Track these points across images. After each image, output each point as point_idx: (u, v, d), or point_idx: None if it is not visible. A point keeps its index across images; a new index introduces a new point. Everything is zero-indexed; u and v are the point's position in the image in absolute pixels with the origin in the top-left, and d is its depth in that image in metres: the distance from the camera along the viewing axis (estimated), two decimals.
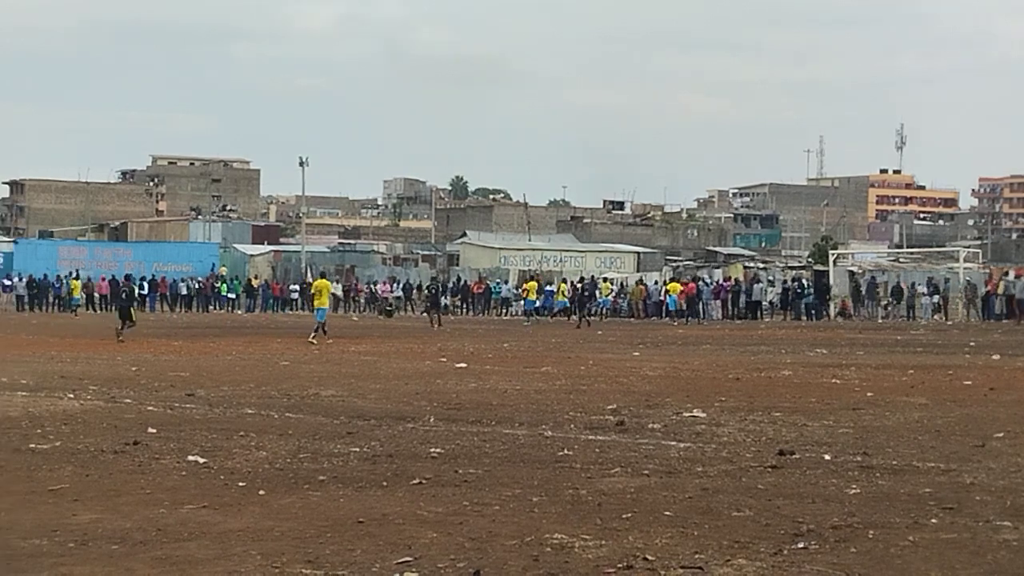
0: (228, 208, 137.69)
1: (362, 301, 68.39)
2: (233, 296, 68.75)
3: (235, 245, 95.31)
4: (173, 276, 69.82)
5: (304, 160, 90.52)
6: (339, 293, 70.98)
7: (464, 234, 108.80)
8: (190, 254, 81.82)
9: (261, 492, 10.09)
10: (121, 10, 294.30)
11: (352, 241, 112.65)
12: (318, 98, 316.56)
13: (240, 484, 10.48)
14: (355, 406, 16.80)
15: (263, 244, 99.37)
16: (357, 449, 12.53)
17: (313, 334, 33.60)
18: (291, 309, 68.88)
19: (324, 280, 38.84)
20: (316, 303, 36.73)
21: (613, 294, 61.11)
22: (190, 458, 11.88)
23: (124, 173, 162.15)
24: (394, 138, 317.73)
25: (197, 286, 68.31)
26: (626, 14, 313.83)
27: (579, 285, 56.50)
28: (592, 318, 51.16)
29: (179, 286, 67.62)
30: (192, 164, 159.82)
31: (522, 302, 57.35)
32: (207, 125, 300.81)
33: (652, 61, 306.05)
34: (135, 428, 14.04)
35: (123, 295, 37.42)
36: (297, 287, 71.69)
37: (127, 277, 43.82)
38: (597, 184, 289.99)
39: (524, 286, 58.45)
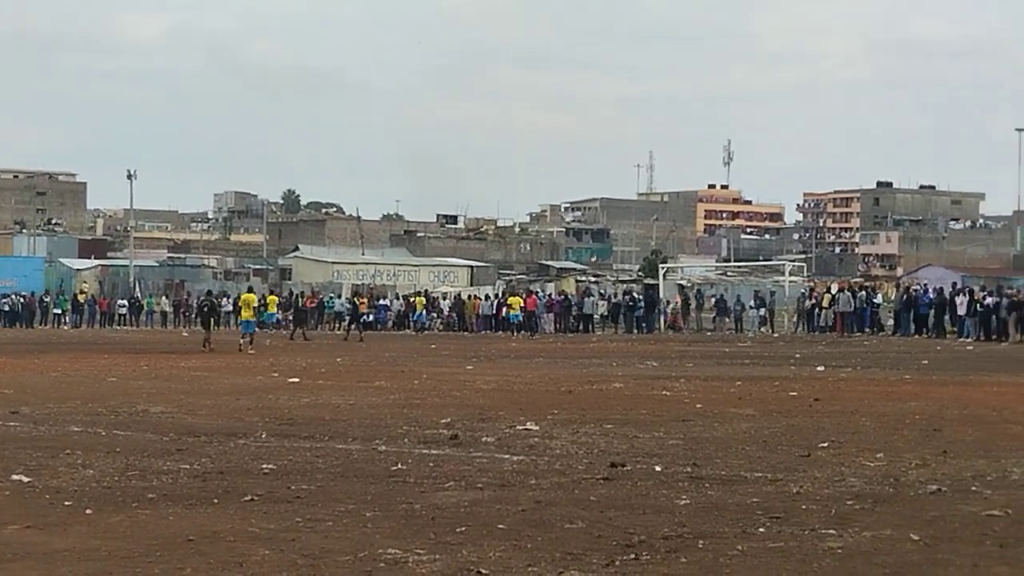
0: (54, 222, 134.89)
1: (193, 316, 67.41)
2: (59, 311, 67.37)
3: (61, 259, 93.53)
4: None
5: (132, 173, 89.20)
6: (167, 309, 70.10)
7: (296, 248, 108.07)
8: (14, 269, 79.96)
9: (88, 511, 9.88)
10: None
11: (182, 255, 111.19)
12: (147, 110, 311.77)
13: (66, 503, 10.25)
14: (185, 422, 16.55)
15: (90, 258, 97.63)
16: (187, 466, 12.35)
17: (245, 344, 37.50)
18: (119, 324, 67.67)
19: (249, 294, 42.01)
20: (243, 316, 39.91)
21: (425, 308, 61.46)
22: (14, 477, 11.59)
23: None
24: (225, 151, 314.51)
25: (22, 301, 66.75)
26: (459, 29, 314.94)
27: (354, 300, 56.58)
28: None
29: (1, 301, 66.00)
30: (16, 177, 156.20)
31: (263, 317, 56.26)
32: (32, 137, 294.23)
33: (485, 76, 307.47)
34: None
35: (204, 308, 40.75)
36: (125, 302, 70.52)
37: (209, 292, 47.13)
38: (430, 198, 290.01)
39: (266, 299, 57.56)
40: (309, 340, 46.86)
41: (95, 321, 67.35)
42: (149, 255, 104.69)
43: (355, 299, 54.26)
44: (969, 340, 43.92)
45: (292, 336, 48.04)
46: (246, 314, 39.61)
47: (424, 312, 61.11)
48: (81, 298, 68.99)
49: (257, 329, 41.68)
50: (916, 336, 46.82)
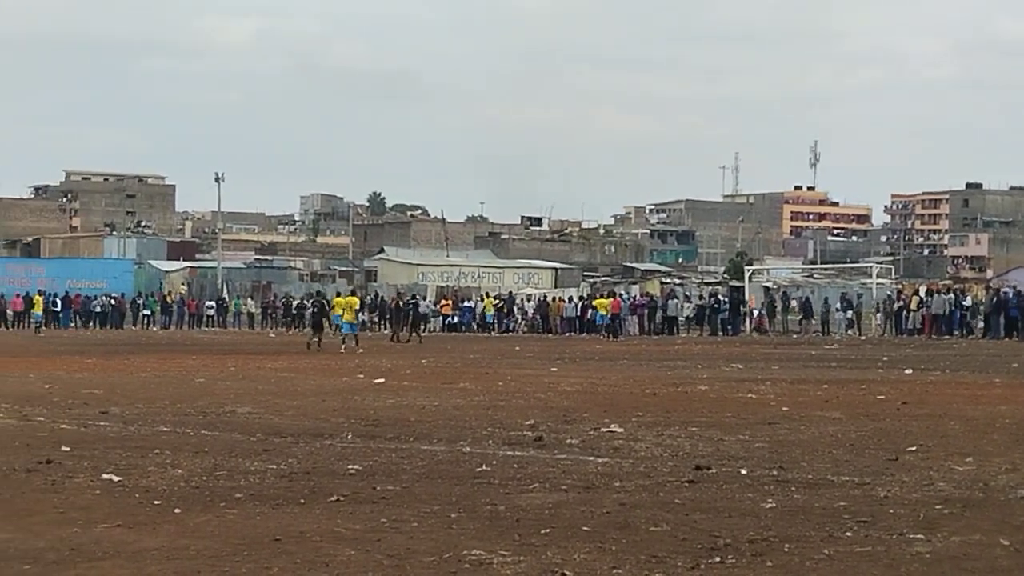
0: (143, 224, 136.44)
1: (279, 317, 67.92)
2: (148, 313, 68.15)
3: (150, 261, 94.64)
4: (87, 293, 69.00)
5: (220, 176, 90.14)
6: (254, 310, 70.65)
7: (382, 250, 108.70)
8: (104, 270, 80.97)
9: (177, 510, 9.98)
10: (34, 23, 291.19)
11: (269, 257, 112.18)
12: (234, 113, 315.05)
13: (155, 502, 10.37)
14: (272, 423, 16.68)
15: (178, 260, 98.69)
16: (274, 466, 12.44)
17: (356, 345, 39.35)
18: (207, 326, 68.32)
19: (352, 297, 44.82)
20: (345, 318, 41.35)
21: (497, 309, 61.57)
22: (104, 476, 11.73)
23: (37, 188, 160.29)
24: (311, 154, 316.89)
25: (112, 303, 67.58)
26: (540, 30, 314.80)
27: (400, 302, 56.52)
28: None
29: (92, 303, 66.88)
30: (106, 179, 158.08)
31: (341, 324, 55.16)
32: (122, 140, 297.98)
33: (568, 78, 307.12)
34: (48, 446, 13.84)
35: (315, 309, 42.70)
36: (213, 304, 71.18)
37: (317, 293, 49.04)
38: (515, 200, 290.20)
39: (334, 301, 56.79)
40: (398, 342, 47.10)
41: (183, 322, 68.03)
42: (236, 257, 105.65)
43: (409, 301, 54.51)
44: None
45: (394, 338, 48.46)
46: (347, 316, 41.13)
47: (494, 313, 61.21)
48: (170, 299, 69.74)
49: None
50: (1006, 339, 46.26)
